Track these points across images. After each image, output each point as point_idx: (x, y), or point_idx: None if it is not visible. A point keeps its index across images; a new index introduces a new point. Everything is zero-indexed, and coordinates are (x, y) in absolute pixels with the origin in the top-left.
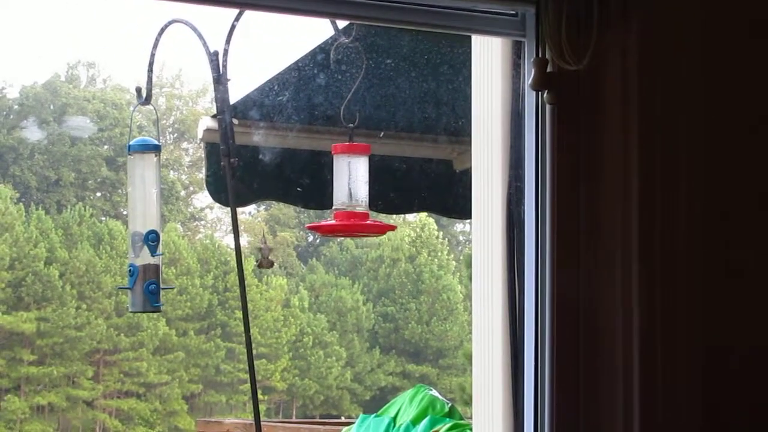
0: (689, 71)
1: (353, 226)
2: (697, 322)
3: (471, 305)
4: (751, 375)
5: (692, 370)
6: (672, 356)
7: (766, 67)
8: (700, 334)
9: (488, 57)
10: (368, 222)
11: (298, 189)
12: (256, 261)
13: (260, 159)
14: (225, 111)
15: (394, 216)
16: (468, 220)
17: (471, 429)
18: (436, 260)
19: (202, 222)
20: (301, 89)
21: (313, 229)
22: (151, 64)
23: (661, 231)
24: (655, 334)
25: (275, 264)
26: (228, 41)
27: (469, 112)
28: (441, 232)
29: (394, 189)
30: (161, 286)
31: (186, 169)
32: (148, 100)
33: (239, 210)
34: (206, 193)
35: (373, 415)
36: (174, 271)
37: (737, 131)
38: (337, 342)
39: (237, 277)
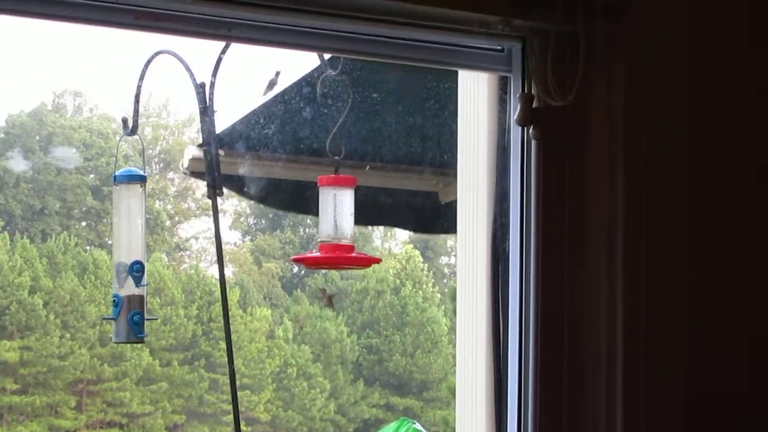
0: (675, 108)
1: (338, 259)
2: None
3: (455, 338)
4: (736, 374)
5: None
6: (656, 404)
7: (752, 103)
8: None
9: (475, 92)
10: (353, 255)
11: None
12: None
13: (245, 191)
14: (211, 143)
15: (379, 248)
16: (453, 253)
17: None
18: (420, 292)
19: (187, 252)
20: (286, 122)
21: (298, 261)
22: (137, 96)
23: (646, 267)
24: (640, 370)
25: (261, 296)
26: (215, 74)
27: (455, 147)
28: (426, 264)
29: (380, 216)
30: (145, 316)
31: (171, 199)
32: (134, 131)
33: (224, 241)
34: (191, 222)
35: None
36: (158, 301)
37: (723, 166)
38: (321, 374)
39: (221, 308)
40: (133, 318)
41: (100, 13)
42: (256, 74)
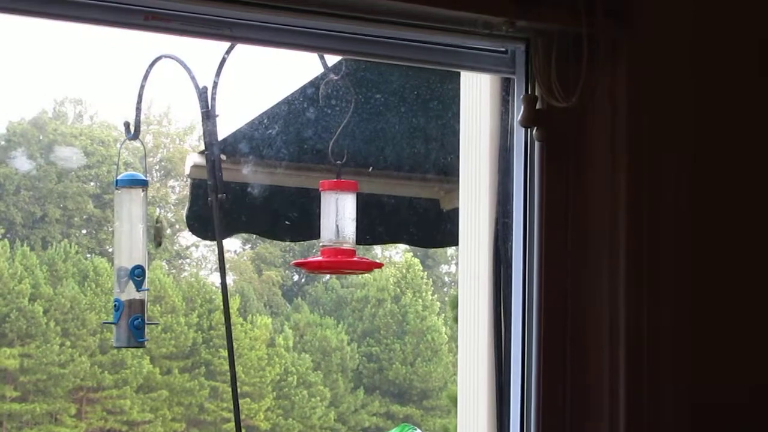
0: (678, 110)
1: (340, 263)
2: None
3: (456, 346)
4: (738, 376)
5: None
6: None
7: (755, 107)
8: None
9: (477, 93)
10: (355, 259)
11: (287, 222)
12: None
13: (248, 193)
14: (213, 145)
15: (379, 254)
16: (454, 262)
17: None
18: (420, 301)
19: (188, 260)
20: (290, 124)
21: (299, 265)
22: (140, 97)
23: (648, 269)
24: (642, 375)
25: (262, 304)
26: (218, 74)
27: (458, 149)
28: (426, 273)
29: (381, 225)
30: (146, 321)
31: (172, 206)
32: (136, 135)
33: (224, 249)
34: None
35: None
36: (159, 308)
37: (727, 169)
38: (321, 382)
39: (222, 316)
40: (133, 322)
41: (109, 13)
42: (259, 80)
